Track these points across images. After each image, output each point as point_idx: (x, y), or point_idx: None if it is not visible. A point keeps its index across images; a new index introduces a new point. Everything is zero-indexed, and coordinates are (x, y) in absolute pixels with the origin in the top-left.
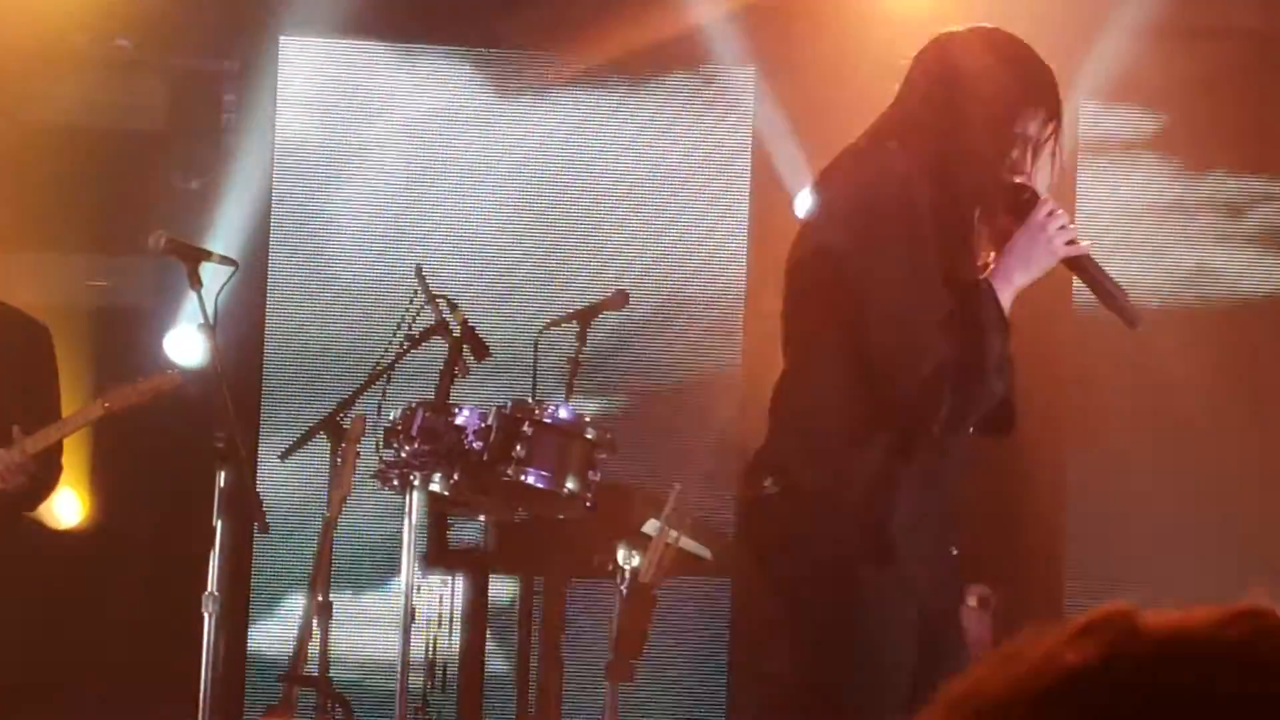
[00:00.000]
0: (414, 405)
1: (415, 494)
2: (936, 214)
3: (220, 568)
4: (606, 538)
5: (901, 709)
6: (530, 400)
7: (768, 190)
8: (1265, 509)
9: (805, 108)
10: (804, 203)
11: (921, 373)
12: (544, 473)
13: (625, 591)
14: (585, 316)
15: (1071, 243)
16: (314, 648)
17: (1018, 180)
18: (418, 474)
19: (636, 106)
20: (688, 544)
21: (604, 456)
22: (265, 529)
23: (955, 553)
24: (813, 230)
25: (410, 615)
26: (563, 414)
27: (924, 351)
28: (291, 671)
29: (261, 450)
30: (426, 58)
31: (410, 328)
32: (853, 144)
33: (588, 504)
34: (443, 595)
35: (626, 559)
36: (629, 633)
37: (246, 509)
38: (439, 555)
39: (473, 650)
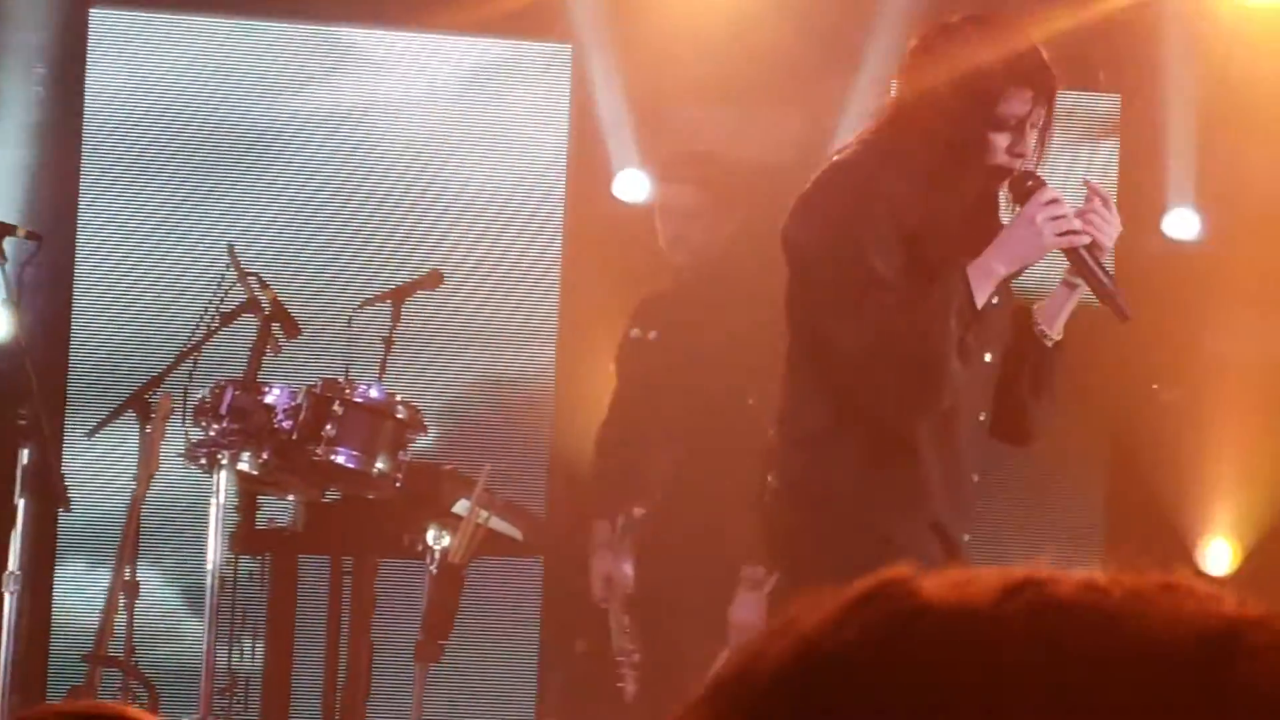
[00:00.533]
0: (223, 383)
1: (224, 473)
2: (932, 210)
3: (23, 546)
4: (417, 518)
5: None
6: (341, 380)
7: (585, 170)
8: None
9: (626, 88)
10: (627, 184)
11: (888, 361)
12: (354, 452)
13: (434, 572)
14: (399, 296)
15: (1066, 233)
16: (121, 628)
17: (1025, 169)
18: (226, 453)
19: (454, 83)
20: (498, 524)
21: (415, 436)
22: (67, 507)
23: (967, 539)
24: (798, 207)
25: (217, 595)
26: (373, 393)
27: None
28: (95, 651)
29: (69, 427)
30: (237, 30)
31: (221, 305)
32: (847, 144)
33: (397, 484)
34: (252, 573)
35: (436, 539)
36: (437, 613)
37: (49, 487)
38: (247, 535)
39: (280, 631)
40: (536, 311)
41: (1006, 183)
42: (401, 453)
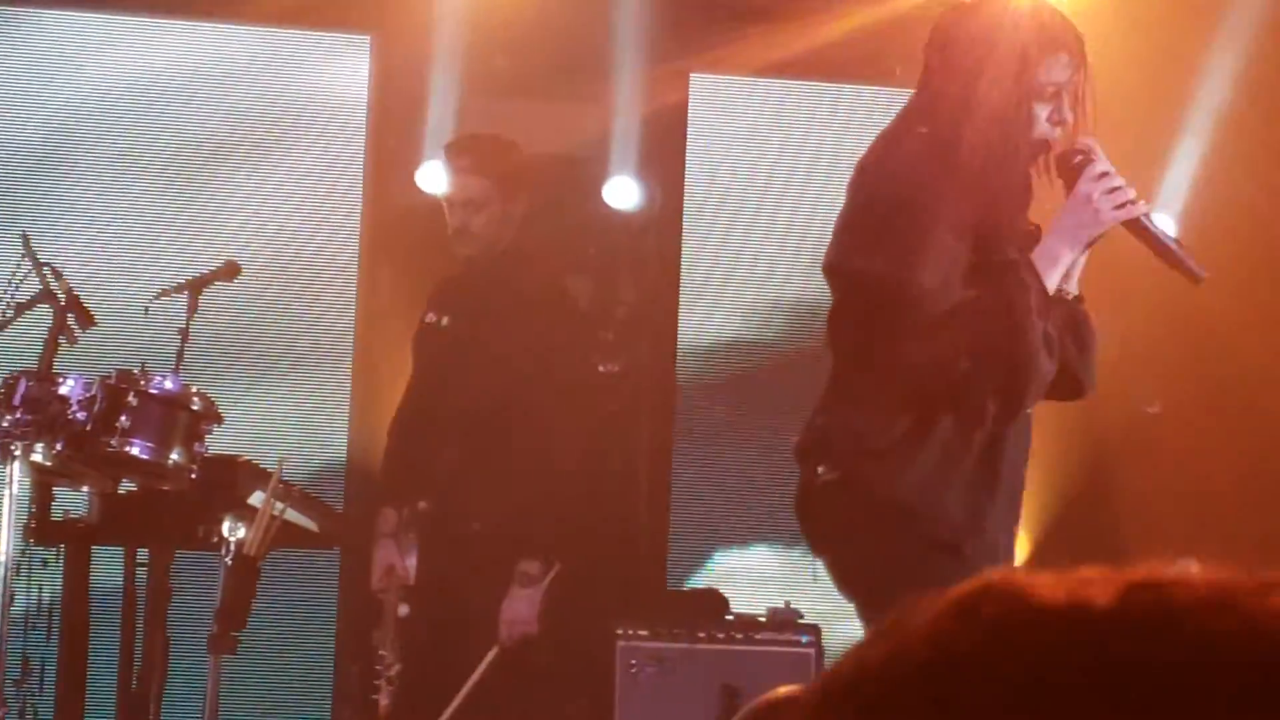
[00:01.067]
0: (16, 374)
1: (16, 464)
2: (972, 189)
3: None
4: (212, 509)
5: None
6: (136, 371)
7: (387, 161)
8: None
9: (426, 79)
10: (429, 175)
11: (939, 361)
12: (148, 444)
13: (230, 563)
14: (195, 286)
15: (1123, 205)
16: None
17: (1073, 145)
18: (19, 444)
19: (253, 72)
20: (294, 516)
21: (210, 428)
22: None
23: (1017, 532)
24: (839, 230)
25: (10, 585)
26: (169, 385)
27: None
28: None
29: None
30: (26, 17)
31: (15, 295)
32: (885, 130)
33: (193, 475)
34: (47, 562)
35: (232, 531)
36: (232, 605)
37: None
38: (41, 527)
39: (75, 622)
40: (335, 303)
41: (1052, 158)
42: (197, 444)
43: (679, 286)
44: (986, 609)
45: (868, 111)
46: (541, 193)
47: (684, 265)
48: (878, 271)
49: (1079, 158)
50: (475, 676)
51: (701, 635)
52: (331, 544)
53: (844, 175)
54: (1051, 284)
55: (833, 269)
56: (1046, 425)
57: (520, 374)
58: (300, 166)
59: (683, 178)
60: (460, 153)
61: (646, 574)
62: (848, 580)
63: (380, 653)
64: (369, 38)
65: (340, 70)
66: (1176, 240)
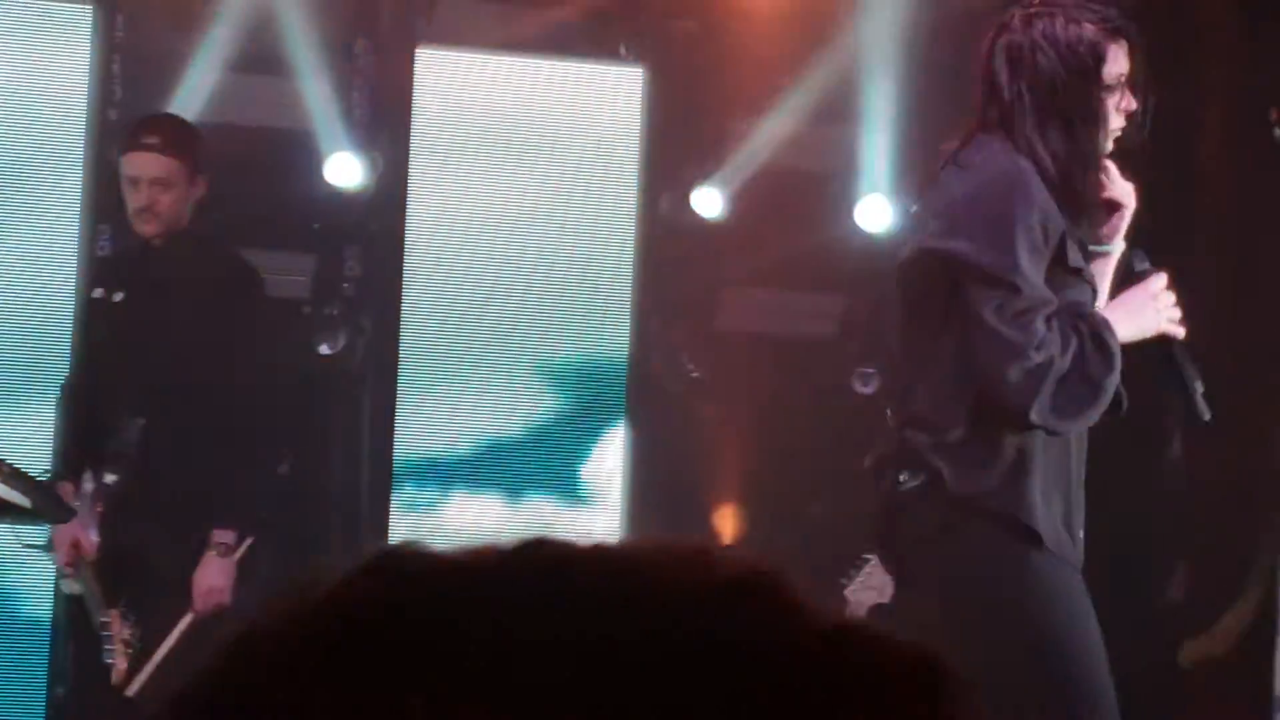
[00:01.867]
0: None
1: None
2: (1054, 201)
3: None
4: None
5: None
6: None
7: (110, 137)
8: None
9: (161, 52)
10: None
11: (1026, 368)
12: None
13: None
14: None
15: (1174, 323)
16: None
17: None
18: None
19: None
20: (5, 491)
21: None
22: None
23: (1081, 535)
24: (931, 239)
25: None
26: None
27: (1025, 350)
28: None
29: None
30: None
31: None
32: (953, 148)
33: None
34: None
35: None
36: None
37: None
38: None
39: None
40: (54, 277)
41: (1128, 249)
42: None
43: (403, 261)
44: (383, 569)
45: (595, 88)
46: (246, 171)
47: (409, 240)
48: (979, 254)
49: (1147, 263)
50: (169, 643)
51: None
52: (44, 519)
53: (571, 151)
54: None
55: (931, 252)
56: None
57: (208, 351)
58: (18, 141)
59: (408, 153)
60: (150, 131)
61: (367, 544)
62: (939, 585)
63: (102, 619)
64: (91, 8)
65: (63, 41)
66: (1197, 375)
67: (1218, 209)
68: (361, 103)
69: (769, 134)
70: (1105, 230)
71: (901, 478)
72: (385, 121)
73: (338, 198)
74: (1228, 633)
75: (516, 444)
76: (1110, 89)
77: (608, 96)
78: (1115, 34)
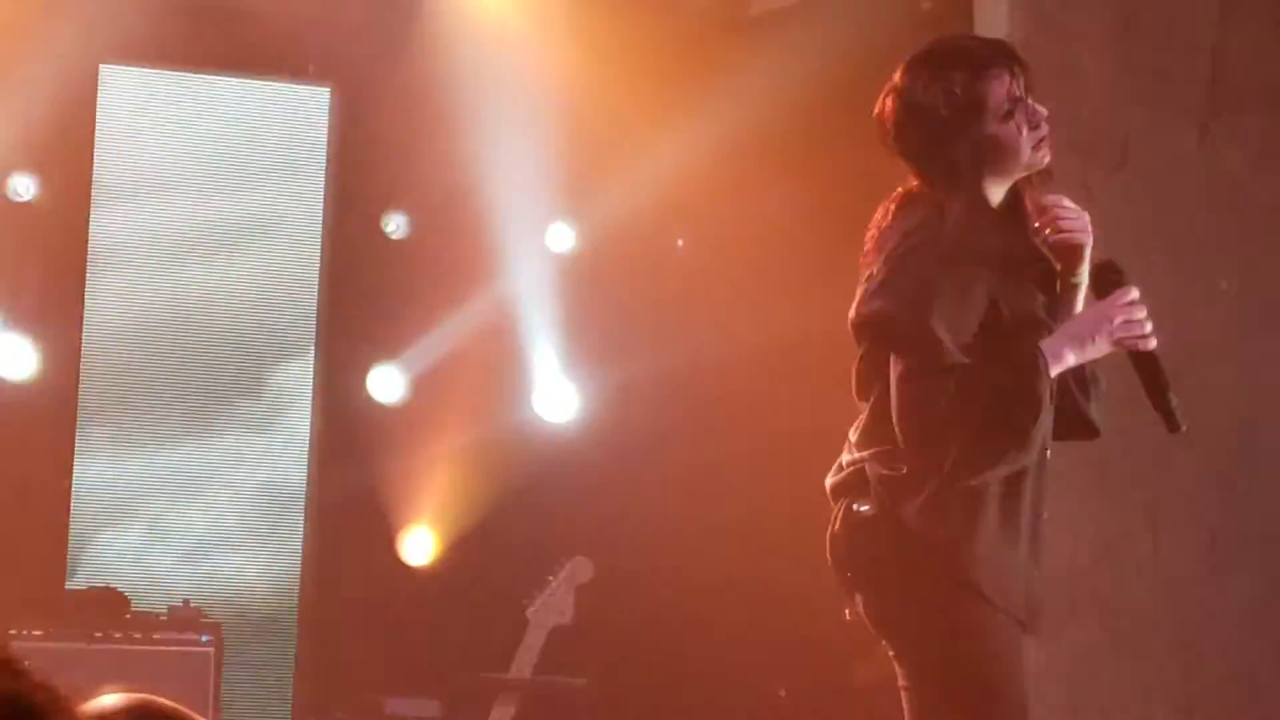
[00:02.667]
0: None
1: None
2: (1001, 250)
3: None
4: None
5: None
6: None
7: None
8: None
9: None
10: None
11: (927, 427)
12: None
13: None
14: None
15: (1139, 338)
16: None
17: (1113, 262)
18: None
19: None
20: None
21: None
22: None
23: (1037, 573)
24: (866, 297)
25: None
26: None
27: (930, 409)
28: None
29: None
30: None
31: None
32: (889, 201)
33: None
34: None
35: None
36: None
37: None
38: None
39: None
40: None
41: (1092, 269)
42: None
43: (85, 276)
44: None
45: (282, 106)
46: None
47: (90, 255)
48: (891, 312)
49: (1116, 275)
50: None
51: (98, 635)
52: None
53: (257, 168)
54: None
55: (854, 320)
56: None
57: None
58: None
59: (90, 167)
60: None
61: (44, 573)
62: (882, 618)
63: None
64: None
65: None
66: (1168, 386)
67: None
68: (41, 120)
69: (462, 154)
70: (1064, 265)
71: (855, 505)
72: (68, 139)
73: (16, 215)
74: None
75: (198, 463)
76: (1004, 120)
77: (295, 114)
78: (993, 67)
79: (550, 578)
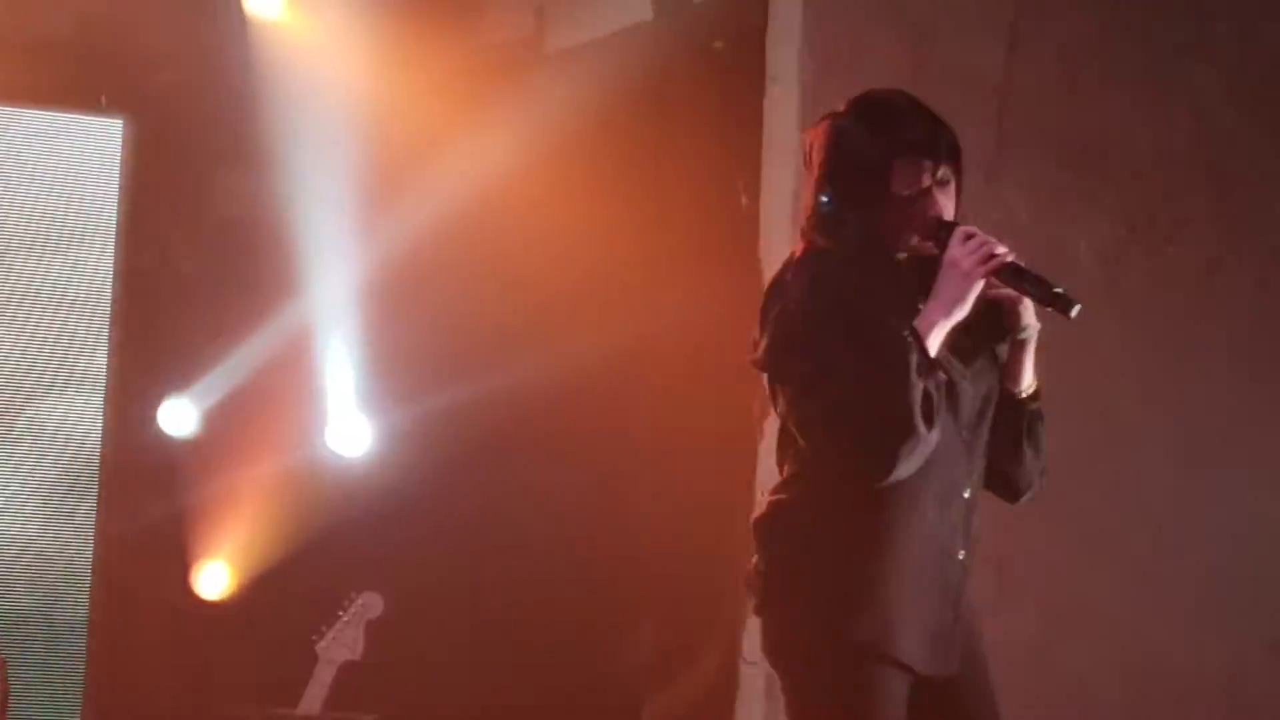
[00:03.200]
0: None
1: None
2: (882, 290)
3: None
4: None
5: None
6: None
7: None
8: None
9: None
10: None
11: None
12: None
13: None
14: None
15: (989, 259)
16: None
17: (940, 218)
18: None
19: None
20: None
21: None
22: None
23: (956, 616)
24: (763, 349)
25: None
26: None
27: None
28: None
29: None
30: None
31: None
32: (794, 249)
33: None
34: None
35: None
36: None
37: None
38: None
39: None
40: None
41: (932, 236)
42: None
43: None
44: None
45: (74, 138)
46: None
47: None
48: (793, 369)
49: (945, 230)
50: None
51: None
52: None
53: (48, 201)
54: (931, 349)
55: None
56: None
57: None
58: None
59: None
60: None
61: None
62: (769, 654)
63: None
64: None
65: None
66: (1043, 278)
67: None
68: None
69: (259, 184)
70: (1010, 321)
71: (755, 560)
72: None
73: None
74: (690, 690)
75: None
76: (894, 204)
77: (86, 146)
78: (903, 153)
79: (340, 613)
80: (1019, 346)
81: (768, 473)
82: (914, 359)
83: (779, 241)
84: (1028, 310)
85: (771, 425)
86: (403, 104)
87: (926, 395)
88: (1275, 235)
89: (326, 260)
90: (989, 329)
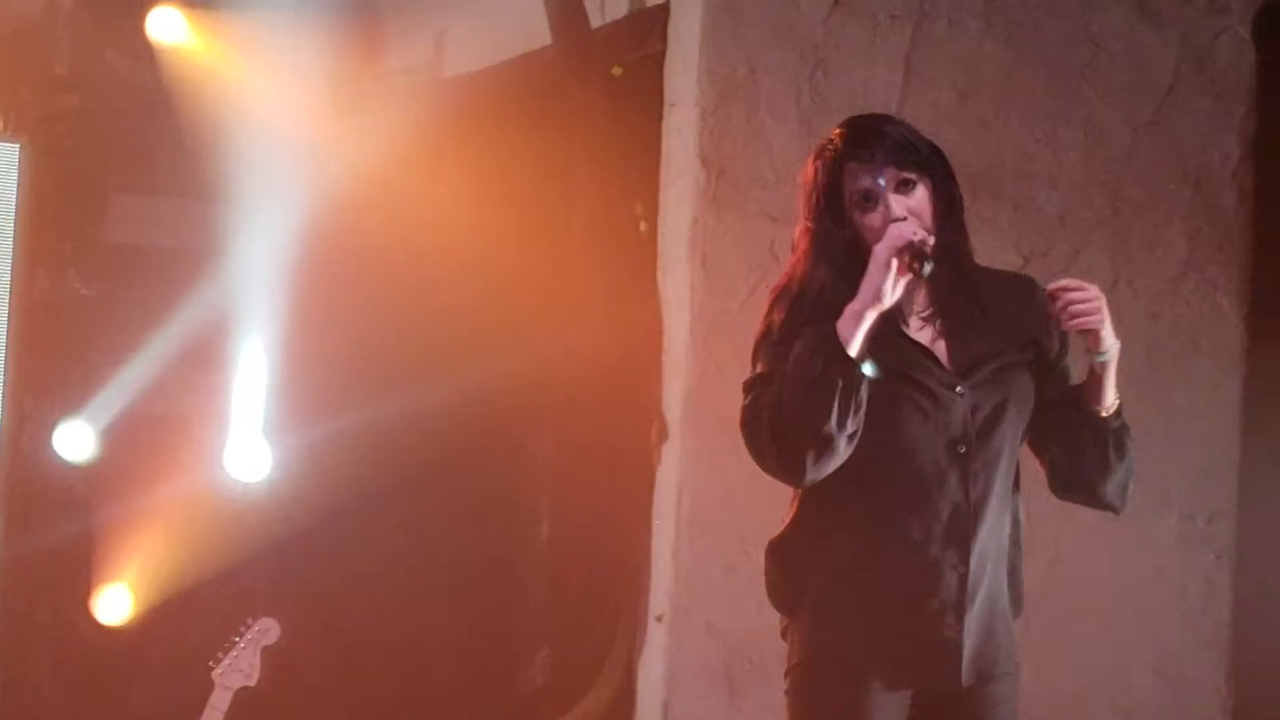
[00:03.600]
0: None
1: None
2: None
3: None
4: None
5: None
6: None
7: None
8: None
9: None
10: None
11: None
12: None
13: None
14: None
15: (899, 243)
16: None
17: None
18: None
19: None
20: None
21: None
22: None
23: (962, 626)
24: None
25: None
26: None
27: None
28: None
29: None
30: None
31: None
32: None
33: None
34: None
35: None
36: None
37: None
38: None
39: None
40: None
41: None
42: None
43: None
44: None
45: None
46: None
47: None
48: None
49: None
50: None
51: None
52: None
53: None
54: (852, 345)
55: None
56: None
57: None
58: None
59: None
60: None
61: None
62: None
63: None
64: None
65: None
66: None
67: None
68: None
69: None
70: (1088, 344)
71: (770, 566)
72: None
73: None
74: (587, 716)
75: None
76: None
77: None
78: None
79: (236, 638)
80: (1101, 368)
81: (665, 497)
82: (819, 359)
83: (676, 265)
84: (1108, 333)
85: (669, 450)
86: (305, 128)
87: (844, 392)
88: (1169, 265)
89: (226, 284)
90: (1005, 340)
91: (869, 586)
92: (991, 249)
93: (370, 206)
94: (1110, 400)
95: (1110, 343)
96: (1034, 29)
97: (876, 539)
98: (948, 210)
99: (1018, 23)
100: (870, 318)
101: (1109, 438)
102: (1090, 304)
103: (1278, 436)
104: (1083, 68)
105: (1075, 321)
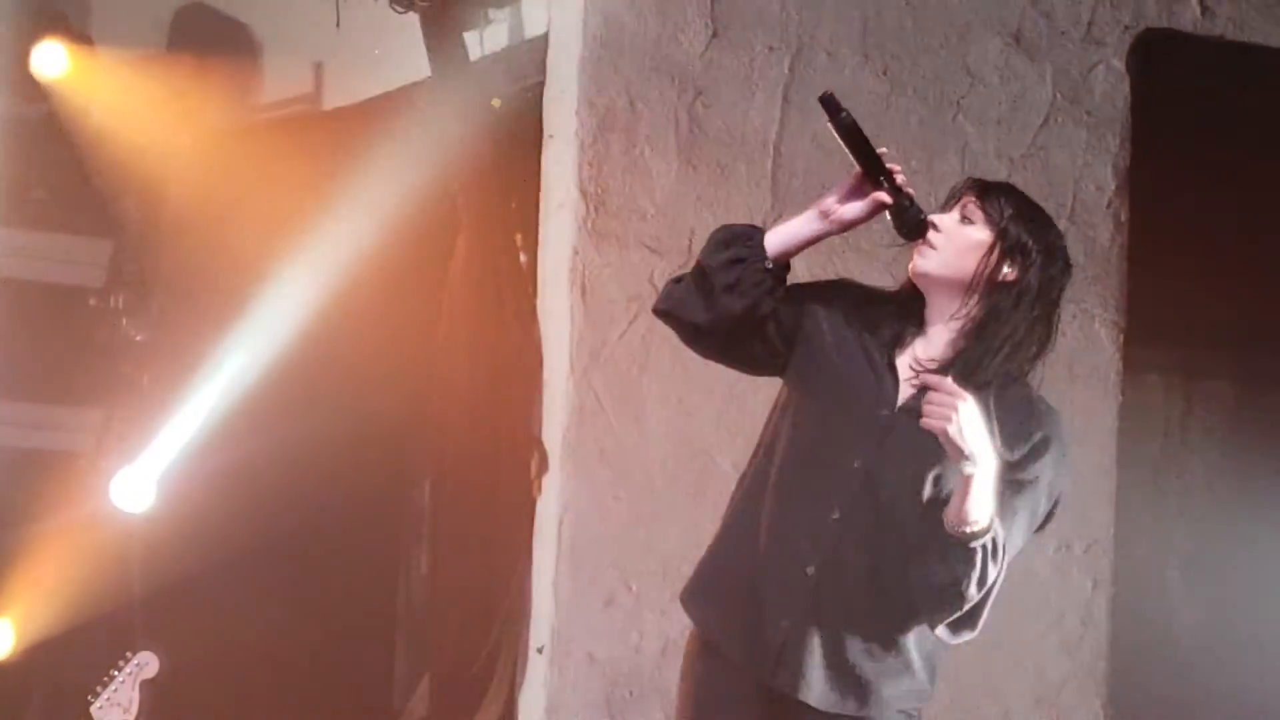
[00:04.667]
0: None
1: None
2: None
3: None
4: None
5: None
6: None
7: None
8: None
9: None
10: None
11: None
12: None
13: None
14: None
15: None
16: None
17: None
18: None
19: None
20: None
21: None
22: None
23: (785, 624)
24: None
25: None
26: None
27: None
28: None
29: None
30: None
31: None
32: None
33: None
34: None
35: None
36: None
37: None
38: None
39: None
40: None
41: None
42: None
43: None
44: None
45: None
46: None
47: None
48: None
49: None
50: None
51: None
52: None
53: None
54: (772, 245)
55: None
56: None
57: None
58: None
59: None
60: None
61: None
62: None
63: None
64: None
65: None
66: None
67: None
68: None
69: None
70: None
71: None
72: None
73: None
74: None
75: None
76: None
77: None
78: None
79: (114, 672)
80: (965, 480)
81: (545, 528)
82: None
83: (556, 296)
84: (967, 444)
85: (549, 481)
86: (183, 160)
87: (729, 265)
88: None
89: (110, 316)
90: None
91: (736, 563)
92: (869, 277)
93: (247, 239)
94: (974, 518)
95: (971, 455)
96: (911, 61)
97: (760, 524)
98: (994, 272)
99: (894, 55)
100: (795, 226)
101: (958, 556)
102: (940, 408)
103: (1153, 465)
104: (959, 99)
105: (923, 420)
